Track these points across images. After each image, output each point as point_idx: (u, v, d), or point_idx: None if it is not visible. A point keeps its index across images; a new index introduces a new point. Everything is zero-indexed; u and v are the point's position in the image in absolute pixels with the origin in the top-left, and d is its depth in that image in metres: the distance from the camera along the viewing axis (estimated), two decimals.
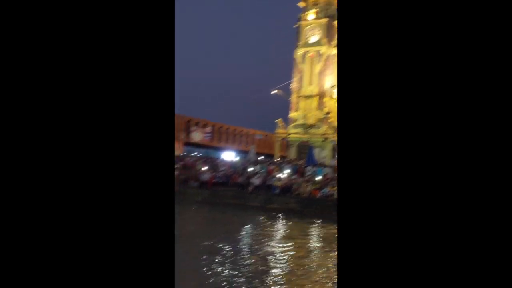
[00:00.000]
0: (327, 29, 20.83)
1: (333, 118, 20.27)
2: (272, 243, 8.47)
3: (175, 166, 19.91)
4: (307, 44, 21.48)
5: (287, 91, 22.58)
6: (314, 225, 11.19)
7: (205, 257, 6.60)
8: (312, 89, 21.28)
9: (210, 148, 29.86)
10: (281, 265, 6.55)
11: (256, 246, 8.07)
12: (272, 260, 6.80)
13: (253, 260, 6.64)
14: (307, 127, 21.20)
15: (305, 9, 21.95)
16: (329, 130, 20.15)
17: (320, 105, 21.15)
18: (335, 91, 20.55)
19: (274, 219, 11.94)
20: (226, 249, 7.29)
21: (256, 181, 15.58)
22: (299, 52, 21.70)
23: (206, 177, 16.91)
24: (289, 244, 8.51)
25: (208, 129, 27.99)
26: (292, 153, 21.70)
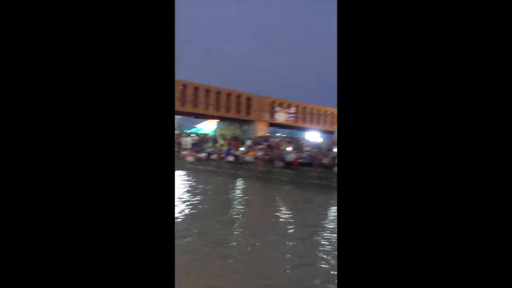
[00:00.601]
0: None
1: None
2: None
3: (260, 146, 20.40)
4: None
5: None
6: None
7: (293, 230, 6.77)
8: None
9: (294, 129, 29.91)
10: None
11: None
12: None
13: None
14: None
15: None
16: None
17: None
18: None
19: None
20: (315, 224, 7.36)
21: None
22: None
23: (291, 157, 17.05)
24: None
25: (292, 109, 28.01)
26: None
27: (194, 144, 24.23)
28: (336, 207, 10.55)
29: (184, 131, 32.14)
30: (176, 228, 6.77)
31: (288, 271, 4.89)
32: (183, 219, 7.62)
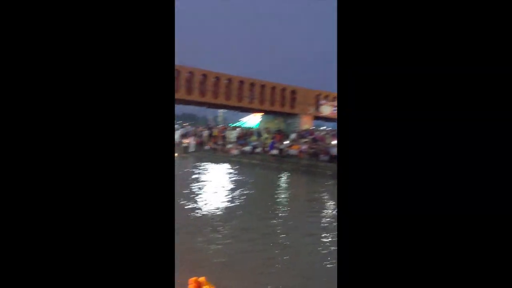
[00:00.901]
0: None
1: None
2: None
3: (305, 140, 20.27)
4: None
5: None
6: None
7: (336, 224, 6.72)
8: None
9: None
10: None
11: None
12: None
13: None
14: None
15: None
16: None
17: None
18: None
19: None
20: None
21: None
22: None
23: (336, 151, 16.80)
24: None
25: None
26: None
27: (238, 138, 24.54)
28: None
29: (229, 124, 32.64)
30: (218, 220, 6.92)
31: (329, 266, 4.88)
32: (227, 213, 7.80)
